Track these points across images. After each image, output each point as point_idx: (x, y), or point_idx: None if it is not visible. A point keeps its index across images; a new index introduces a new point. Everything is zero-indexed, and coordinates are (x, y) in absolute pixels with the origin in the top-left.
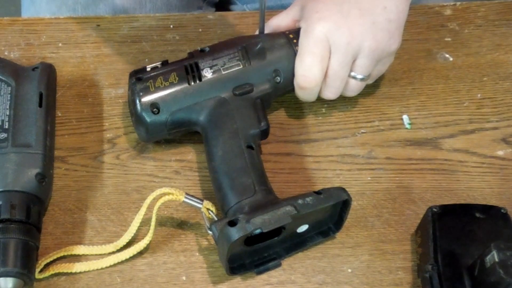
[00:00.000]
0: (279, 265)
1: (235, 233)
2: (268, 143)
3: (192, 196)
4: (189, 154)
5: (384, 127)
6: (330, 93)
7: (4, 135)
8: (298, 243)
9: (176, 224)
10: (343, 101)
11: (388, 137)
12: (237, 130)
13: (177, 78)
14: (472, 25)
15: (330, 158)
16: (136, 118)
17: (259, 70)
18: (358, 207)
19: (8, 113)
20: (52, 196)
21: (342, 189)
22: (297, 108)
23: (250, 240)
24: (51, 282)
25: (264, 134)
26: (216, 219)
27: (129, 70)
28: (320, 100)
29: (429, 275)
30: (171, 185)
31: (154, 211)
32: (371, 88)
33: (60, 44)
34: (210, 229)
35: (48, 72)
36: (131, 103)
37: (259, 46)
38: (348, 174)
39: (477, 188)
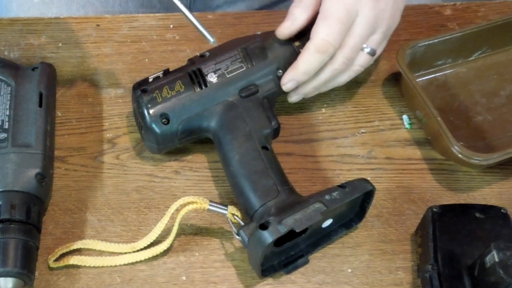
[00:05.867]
0: (307, 262)
1: (269, 236)
2: None
3: (216, 203)
4: (189, 154)
5: (384, 127)
6: (344, 64)
7: (4, 135)
8: (323, 238)
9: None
10: (343, 101)
11: (388, 137)
12: (250, 132)
13: (183, 86)
14: (472, 25)
15: (330, 158)
16: (145, 130)
17: (263, 70)
18: None
19: (8, 113)
20: (52, 196)
21: (365, 180)
22: (297, 108)
23: (278, 240)
24: (51, 282)
25: (276, 132)
26: (242, 223)
27: (129, 70)
28: (320, 100)
29: (429, 275)
30: (171, 185)
31: (177, 220)
32: (371, 88)
33: (60, 44)
34: (238, 234)
35: (48, 72)
36: (139, 116)
37: (259, 46)
38: (348, 174)
39: (477, 188)
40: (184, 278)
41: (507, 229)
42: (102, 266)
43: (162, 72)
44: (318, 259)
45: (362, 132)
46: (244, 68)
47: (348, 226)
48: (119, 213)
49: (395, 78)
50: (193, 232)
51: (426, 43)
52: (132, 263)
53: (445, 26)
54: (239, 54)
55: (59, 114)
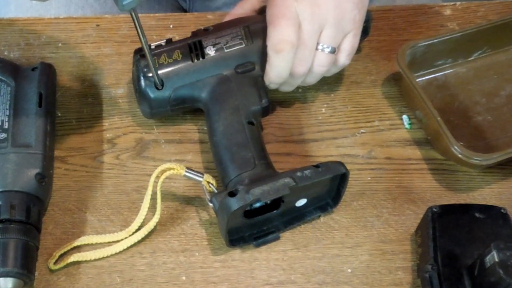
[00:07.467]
0: (278, 238)
1: (235, 203)
2: (268, 143)
3: (193, 170)
4: (189, 154)
5: (384, 127)
6: (301, 66)
7: (4, 135)
8: (297, 217)
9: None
10: (343, 101)
11: (388, 137)
12: (238, 107)
13: (180, 56)
14: (472, 25)
15: (330, 158)
16: (140, 94)
17: (261, 49)
18: (358, 207)
19: (8, 113)
20: (52, 196)
21: (340, 163)
22: (297, 108)
23: (250, 213)
24: (51, 282)
25: (265, 111)
26: (216, 192)
27: (129, 70)
28: (320, 100)
29: (429, 275)
30: (171, 185)
31: (159, 187)
32: (371, 88)
33: (60, 44)
34: (210, 201)
35: (47, 72)
36: (136, 79)
37: (261, 26)
38: None
39: (477, 188)
40: (184, 278)
41: (507, 229)
42: (103, 258)
43: (165, 40)
44: (318, 259)
45: (362, 132)
46: (243, 45)
47: (324, 209)
48: (119, 213)
49: (395, 78)
50: (193, 232)
51: (426, 43)
52: (130, 247)
53: (445, 26)
54: (240, 31)
55: (59, 114)
